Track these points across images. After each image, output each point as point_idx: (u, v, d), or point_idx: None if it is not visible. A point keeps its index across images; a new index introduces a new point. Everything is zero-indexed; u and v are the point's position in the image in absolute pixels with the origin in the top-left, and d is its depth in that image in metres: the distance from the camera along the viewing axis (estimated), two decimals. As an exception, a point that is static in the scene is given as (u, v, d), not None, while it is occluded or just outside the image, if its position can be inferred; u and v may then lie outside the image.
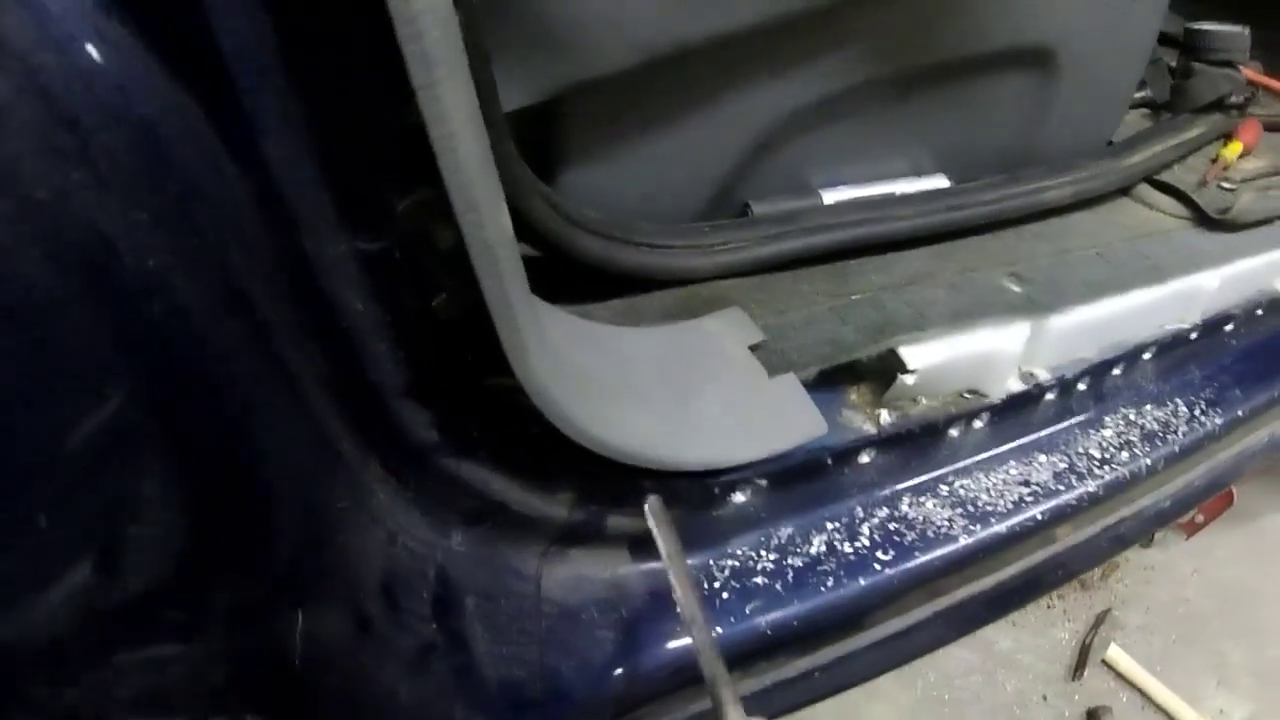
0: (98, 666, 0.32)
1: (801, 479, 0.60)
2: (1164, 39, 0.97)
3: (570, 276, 0.64)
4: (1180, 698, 1.36)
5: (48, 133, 0.29)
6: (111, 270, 0.31)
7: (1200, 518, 1.52)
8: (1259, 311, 0.91)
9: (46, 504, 0.31)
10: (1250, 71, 1.06)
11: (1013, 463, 0.70)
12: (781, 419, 0.57)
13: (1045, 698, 1.38)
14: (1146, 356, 0.81)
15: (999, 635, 1.44)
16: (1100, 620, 1.45)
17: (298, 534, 0.38)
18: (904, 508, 0.63)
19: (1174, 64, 1.12)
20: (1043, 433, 0.73)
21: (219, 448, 0.36)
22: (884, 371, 0.67)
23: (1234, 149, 1.02)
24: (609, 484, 0.50)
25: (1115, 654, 1.41)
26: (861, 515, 0.61)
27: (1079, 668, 1.40)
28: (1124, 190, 0.97)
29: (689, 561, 0.51)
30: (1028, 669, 1.41)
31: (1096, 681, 1.41)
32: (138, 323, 0.32)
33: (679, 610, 0.43)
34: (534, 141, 0.69)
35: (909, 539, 0.61)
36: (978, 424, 0.69)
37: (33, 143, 0.28)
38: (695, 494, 0.55)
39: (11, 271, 0.29)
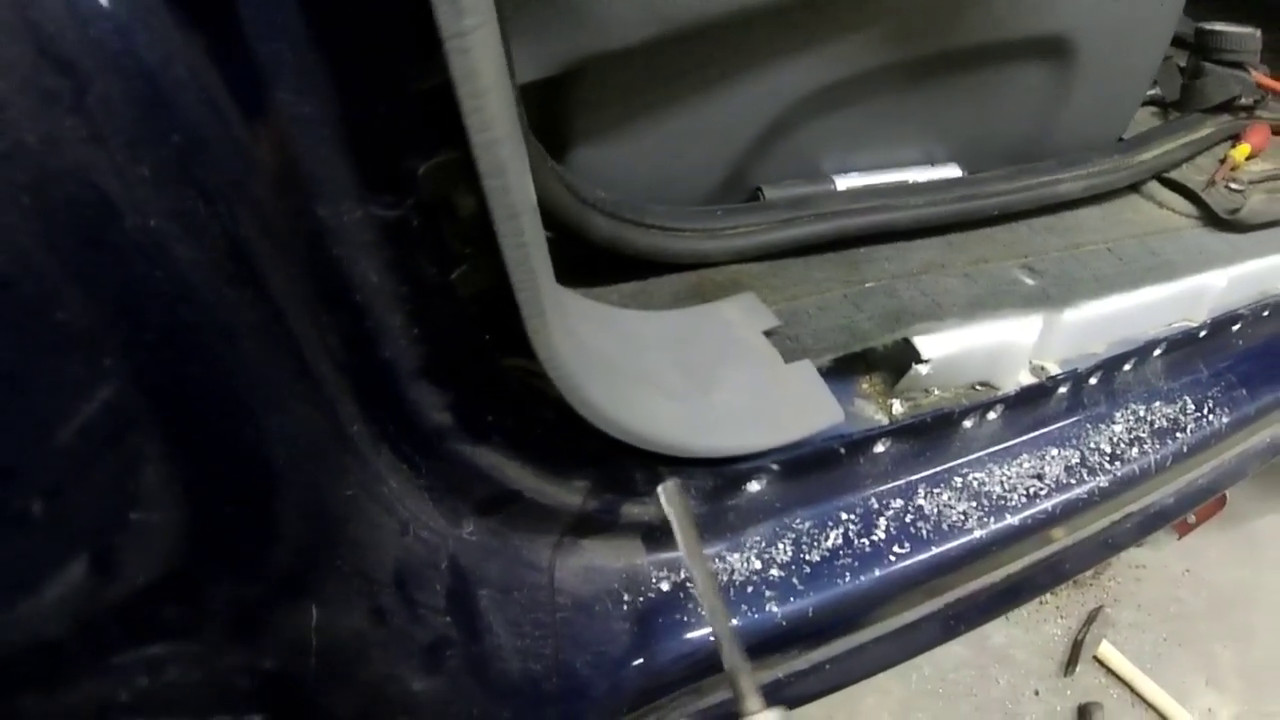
0: (95, 665, 0.30)
1: (815, 469, 0.59)
2: (1173, 39, 0.96)
3: (579, 258, 0.63)
4: (1170, 695, 1.37)
5: (38, 75, 0.26)
6: (109, 231, 0.29)
7: (1192, 518, 1.53)
8: (1265, 313, 0.91)
9: (35, 493, 0.28)
10: (1259, 75, 1.06)
11: (1025, 456, 0.70)
12: (799, 407, 0.55)
13: (1037, 693, 1.38)
14: (1157, 353, 0.81)
15: (992, 630, 1.45)
16: (1093, 617, 1.46)
17: (304, 523, 0.35)
18: (920, 500, 0.61)
19: (1183, 64, 1.12)
20: (1054, 426, 0.72)
21: (221, 430, 0.33)
22: (897, 361, 0.65)
23: (1242, 151, 1.01)
24: (624, 471, 0.49)
25: (1107, 651, 1.42)
26: (877, 507, 0.60)
27: (1071, 664, 1.41)
28: (1134, 187, 0.96)
29: (704, 550, 0.50)
30: (1020, 664, 1.42)
31: (1088, 678, 1.42)
32: (137, 291, 0.30)
33: (697, 600, 0.42)
34: (542, 117, 0.67)
35: (925, 531, 0.59)
36: (991, 416, 0.68)
37: (21, 85, 0.26)
38: (710, 482, 0.53)
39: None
